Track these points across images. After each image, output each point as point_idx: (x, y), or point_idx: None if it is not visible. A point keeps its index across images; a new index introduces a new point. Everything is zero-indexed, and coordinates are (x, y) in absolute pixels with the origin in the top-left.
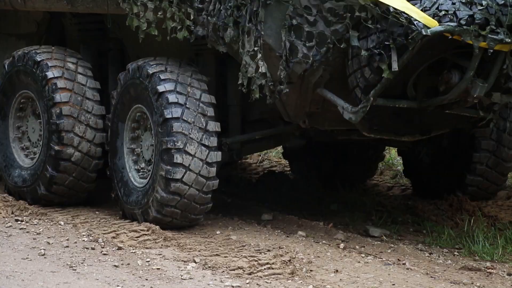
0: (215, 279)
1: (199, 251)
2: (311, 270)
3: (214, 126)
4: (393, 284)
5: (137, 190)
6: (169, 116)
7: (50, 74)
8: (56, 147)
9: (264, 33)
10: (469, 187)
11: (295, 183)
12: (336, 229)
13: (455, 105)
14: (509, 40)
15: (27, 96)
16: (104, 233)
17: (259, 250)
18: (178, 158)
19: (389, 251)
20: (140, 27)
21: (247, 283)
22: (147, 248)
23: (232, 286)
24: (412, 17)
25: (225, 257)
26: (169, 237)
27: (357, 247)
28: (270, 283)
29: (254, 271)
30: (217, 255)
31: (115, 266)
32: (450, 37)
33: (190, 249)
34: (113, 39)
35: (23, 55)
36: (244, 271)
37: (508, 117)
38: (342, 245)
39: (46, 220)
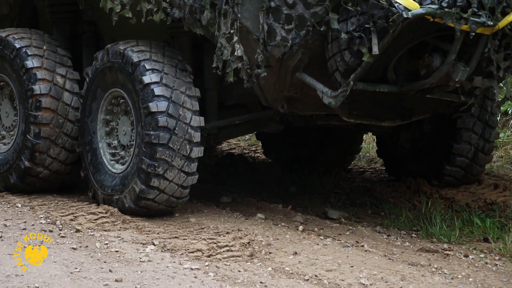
0: (174, 262)
1: (158, 233)
2: (270, 253)
3: (198, 121)
4: (352, 266)
5: (113, 176)
6: (154, 109)
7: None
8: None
9: (241, 16)
10: (446, 176)
11: (253, 166)
12: (295, 212)
13: (436, 90)
14: (491, 23)
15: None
16: (62, 216)
17: (218, 232)
18: (161, 154)
19: (347, 233)
20: (113, 9)
21: (206, 266)
22: (105, 230)
23: (191, 269)
24: None
25: (184, 239)
26: (128, 220)
27: (316, 229)
28: (229, 265)
29: (213, 254)
30: (176, 237)
31: (73, 248)
32: (431, 19)
33: (148, 231)
34: (87, 22)
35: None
36: (203, 253)
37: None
38: (301, 228)
39: (3, 203)
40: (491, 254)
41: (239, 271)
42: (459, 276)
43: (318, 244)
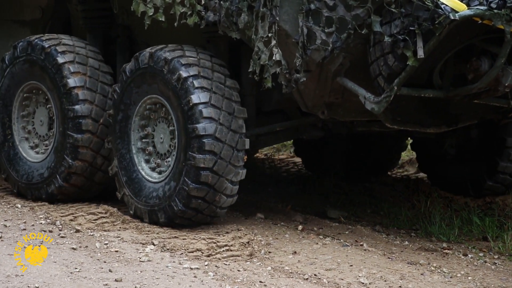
0: (174, 261)
1: (158, 233)
2: (269, 252)
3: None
4: (351, 265)
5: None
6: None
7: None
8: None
9: (279, 18)
10: (485, 191)
11: (253, 165)
12: (295, 211)
13: (484, 95)
14: None
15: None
16: (61, 216)
17: (217, 232)
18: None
19: (347, 232)
20: (146, 12)
21: (206, 265)
22: (105, 230)
23: (191, 268)
24: (439, 0)
25: (183, 239)
26: (128, 220)
27: (315, 228)
28: (229, 265)
29: (213, 253)
30: (175, 237)
31: (73, 248)
32: (479, 21)
33: (148, 231)
34: (120, 26)
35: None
36: (202, 253)
37: None
38: (300, 227)
39: (3, 203)
40: (490, 253)
41: (238, 270)
42: (458, 275)
43: (317, 244)
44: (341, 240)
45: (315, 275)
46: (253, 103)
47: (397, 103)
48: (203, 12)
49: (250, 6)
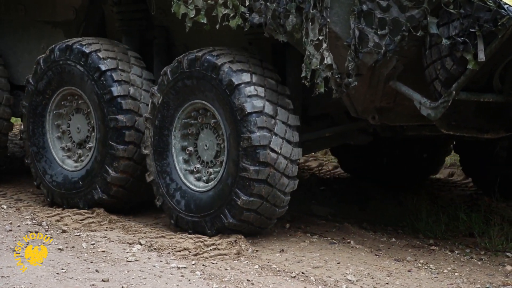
0: (161, 261)
1: (145, 233)
2: (257, 250)
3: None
4: (338, 263)
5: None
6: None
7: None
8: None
9: (330, 20)
10: None
11: None
12: None
13: None
14: None
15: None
16: (48, 217)
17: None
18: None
19: (334, 230)
20: (187, 14)
21: (193, 264)
22: (92, 230)
23: (178, 268)
24: (501, 0)
25: (170, 238)
26: (114, 220)
27: (302, 226)
28: (216, 263)
29: (200, 252)
30: (162, 236)
31: (59, 249)
32: None
33: (135, 231)
34: (157, 27)
35: None
36: (190, 252)
37: None
38: (287, 225)
39: None
40: (477, 249)
41: (226, 269)
42: (445, 271)
43: (304, 241)
44: (328, 238)
45: (302, 273)
46: (299, 107)
47: (454, 108)
48: (247, 14)
49: (298, 7)
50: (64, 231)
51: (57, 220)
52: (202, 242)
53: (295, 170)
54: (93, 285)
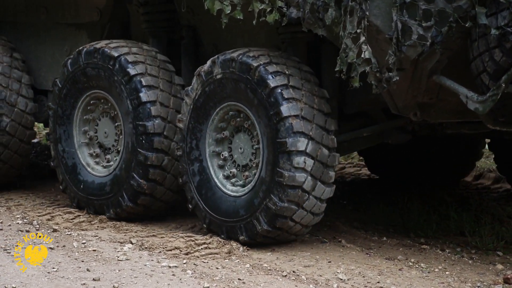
0: (152, 260)
1: (136, 232)
2: (248, 249)
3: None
4: (329, 262)
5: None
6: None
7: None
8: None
9: (370, 13)
10: None
11: None
12: None
13: None
14: None
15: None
16: (39, 216)
17: (195, 230)
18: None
19: (325, 229)
20: (223, 10)
21: (184, 263)
22: (82, 230)
23: (169, 267)
24: None
25: (161, 237)
26: (105, 219)
27: None
28: (207, 262)
29: (191, 251)
30: (153, 235)
31: (50, 248)
32: None
33: (126, 230)
34: (185, 27)
35: None
36: (181, 251)
37: None
38: None
39: None
40: (467, 247)
41: (217, 268)
42: (436, 270)
43: (295, 240)
44: (320, 237)
45: (293, 271)
46: (336, 106)
47: (503, 102)
48: (285, 9)
49: (338, 0)
50: (55, 230)
51: (48, 219)
52: (193, 241)
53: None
54: (84, 284)
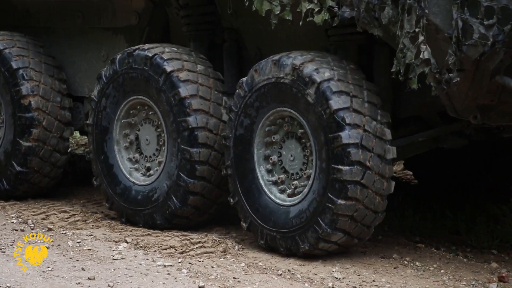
0: (147, 259)
1: (131, 231)
2: (243, 248)
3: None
4: (324, 260)
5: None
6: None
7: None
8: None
9: (429, 11)
10: None
11: None
12: None
13: None
14: None
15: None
16: (33, 215)
17: (190, 229)
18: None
19: None
20: (272, 11)
21: (179, 262)
22: (77, 229)
23: (164, 266)
24: None
25: (156, 236)
26: (100, 218)
27: None
28: (203, 261)
29: (186, 250)
30: (148, 234)
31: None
32: None
33: (121, 229)
34: (227, 29)
35: None
36: (176, 250)
37: None
38: None
39: None
40: (462, 246)
41: (212, 267)
42: (431, 269)
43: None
44: None
45: (288, 270)
46: (389, 110)
47: None
48: (336, 8)
49: None
50: (50, 229)
51: (43, 219)
52: (189, 240)
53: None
54: (79, 283)
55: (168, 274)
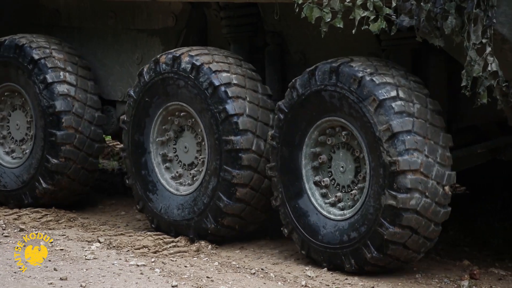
0: (120, 259)
1: (104, 231)
2: (216, 247)
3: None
4: (298, 259)
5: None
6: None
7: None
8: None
9: (496, 21)
10: None
11: None
12: None
13: None
14: None
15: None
16: (5, 215)
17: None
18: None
19: None
20: (323, 18)
21: (152, 262)
22: (50, 229)
23: (137, 265)
24: None
25: (130, 236)
26: (73, 218)
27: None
28: (176, 261)
29: (160, 250)
30: (121, 234)
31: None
32: None
33: (94, 229)
34: (270, 33)
35: None
36: (149, 249)
37: None
38: None
39: None
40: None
41: (185, 266)
42: (403, 266)
43: (264, 238)
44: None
45: (262, 269)
46: (445, 120)
47: None
48: (393, 16)
49: (459, 7)
50: (22, 230)
51: (15, 219)
52: (162, 239)
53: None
54: (51, 283)
55: (141, 273)
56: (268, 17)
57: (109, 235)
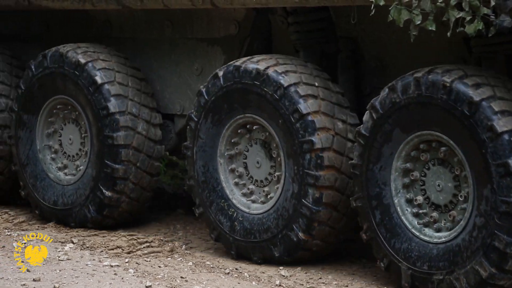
0: (94, 259)
1: (77, 231)
2: (190, 247)
3: None
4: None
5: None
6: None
7: None
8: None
9: None
10: None
11: None
12: None
13: None
14: None
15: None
16: None
17: (137, 228)
18: None
19: None
20: (413, 21)
21: (126, 262)
22: (23, 230)
23: (111, 266)
24: None
25: (103, 236)
26: (46, 219)
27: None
28: (150, 261)
29: (133, 250)
30: (95, 235)
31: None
32: None
33: (67, 230)
34: (342, 38)
35: None
36: (123, 250)
37: None
38: None
39: None
40: None
41: (159, 266)
42: (377, 264)
43: None
44: None
45: (236, 269)
46: None
47: None
48: (492, 16)
49: None
50: None
51: None
52: (136, 240)
53: None
54: (24, 285)
55: (115, 274)
56: (342, 21)
57: (83, 236)
